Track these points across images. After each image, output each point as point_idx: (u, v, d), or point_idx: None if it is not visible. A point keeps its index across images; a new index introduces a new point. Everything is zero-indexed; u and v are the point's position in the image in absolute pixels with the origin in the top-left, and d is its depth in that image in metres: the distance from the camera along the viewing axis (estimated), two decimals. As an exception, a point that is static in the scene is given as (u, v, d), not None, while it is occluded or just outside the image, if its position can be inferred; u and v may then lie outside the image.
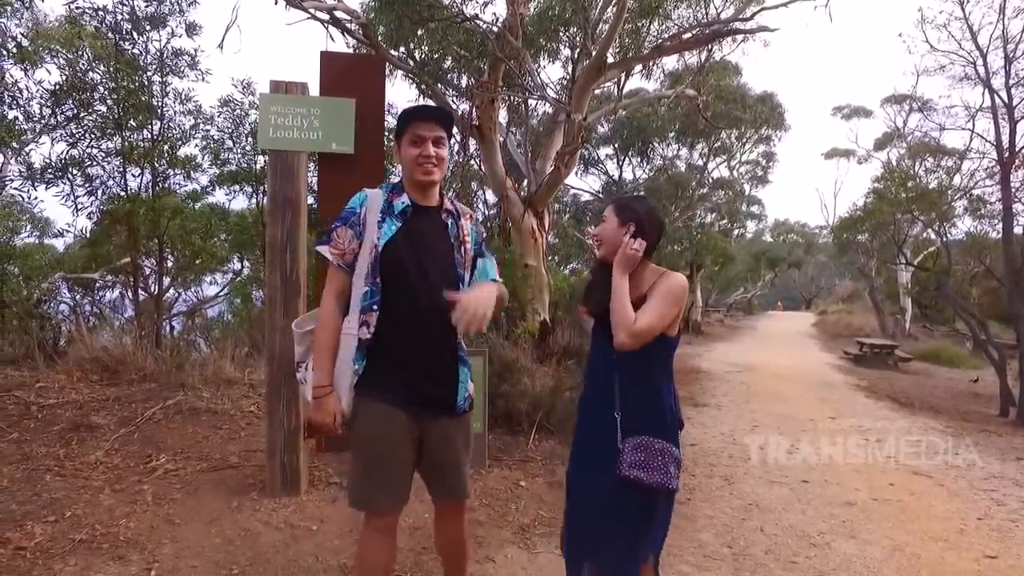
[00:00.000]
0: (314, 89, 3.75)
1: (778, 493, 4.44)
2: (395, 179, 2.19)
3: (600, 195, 18.62)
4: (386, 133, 4.29)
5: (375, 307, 1.96)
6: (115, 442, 4.25)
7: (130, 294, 7.41)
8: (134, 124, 6.46)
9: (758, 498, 4.29)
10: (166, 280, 12.70)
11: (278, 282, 3.60)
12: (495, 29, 8.54)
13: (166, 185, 6.89)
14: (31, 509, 3.24)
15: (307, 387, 2.01)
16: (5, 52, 5.67)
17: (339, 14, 7.38)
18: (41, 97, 6.11)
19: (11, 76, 5.87)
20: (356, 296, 1.98)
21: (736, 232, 27.07)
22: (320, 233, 2.85)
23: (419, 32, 9.43)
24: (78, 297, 11.86)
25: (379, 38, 9.21)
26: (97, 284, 8.55)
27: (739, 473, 4.99)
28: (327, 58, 3.77)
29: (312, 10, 6.94)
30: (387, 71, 10.69)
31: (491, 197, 11.79)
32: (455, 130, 11.76)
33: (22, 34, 5.83)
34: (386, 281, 1.96)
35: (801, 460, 5.48)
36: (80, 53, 6.26)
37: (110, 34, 6.36)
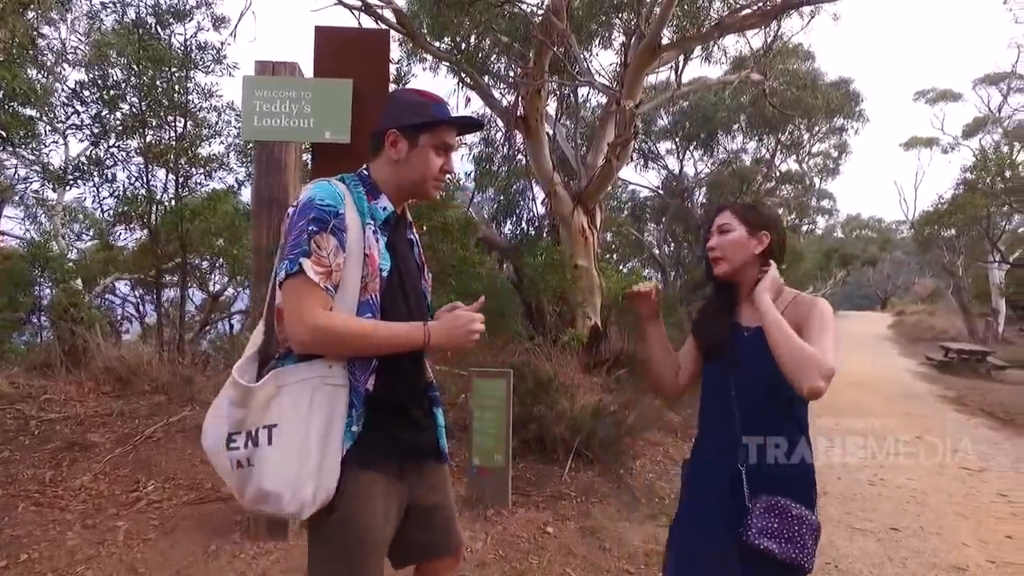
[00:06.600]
0: (308, 70, 3.26)
1: (862, 546, 3.67)
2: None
3: (660, 191, 17.76)
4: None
5: None
6: (107, 464, 3.91)
7: (154, 298, 7.17)
8: (155, 123, 6.19)
9: (838, 554, 3.54)
10: (220, 280, 12.80)
11: (263, 295, 3.11)
12: (540, 12, 7.96)
13: (188, 185, 6.61)
14: (-14, 549, 2.88)
15: (257, 472, 1.38)
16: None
17: (371, -2, 6.95)
18: (64, 96, 5.92)
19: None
20: None
21: (805, 228, 25.49)
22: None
23: (465, 22, 8.94)
24: (138, 296, 12.07)
25: (421, 28, 8.78)
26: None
27: (813, 514, 4.22)
28: (322, 33, 3.25)
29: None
30: (427, 63, 10.32)
31: (539, 193, 11.19)
32: (499, 122, 11.32)
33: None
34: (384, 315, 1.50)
35: (887, 496, 4.64)
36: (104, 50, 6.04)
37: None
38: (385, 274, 1.48)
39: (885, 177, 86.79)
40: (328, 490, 1.40)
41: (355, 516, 1.44)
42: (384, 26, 7.51)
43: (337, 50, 3.24)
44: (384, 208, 1.53)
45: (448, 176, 1.63)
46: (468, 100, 10.24)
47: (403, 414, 1.55)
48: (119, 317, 7.90)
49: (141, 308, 12.75)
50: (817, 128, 17.39)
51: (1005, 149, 15.94)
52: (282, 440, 1.37)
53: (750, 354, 1.62)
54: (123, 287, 12.25)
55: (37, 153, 5.92)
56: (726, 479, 1.62)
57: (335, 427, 1.41)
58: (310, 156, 3.44)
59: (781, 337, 1.53)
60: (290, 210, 1.48)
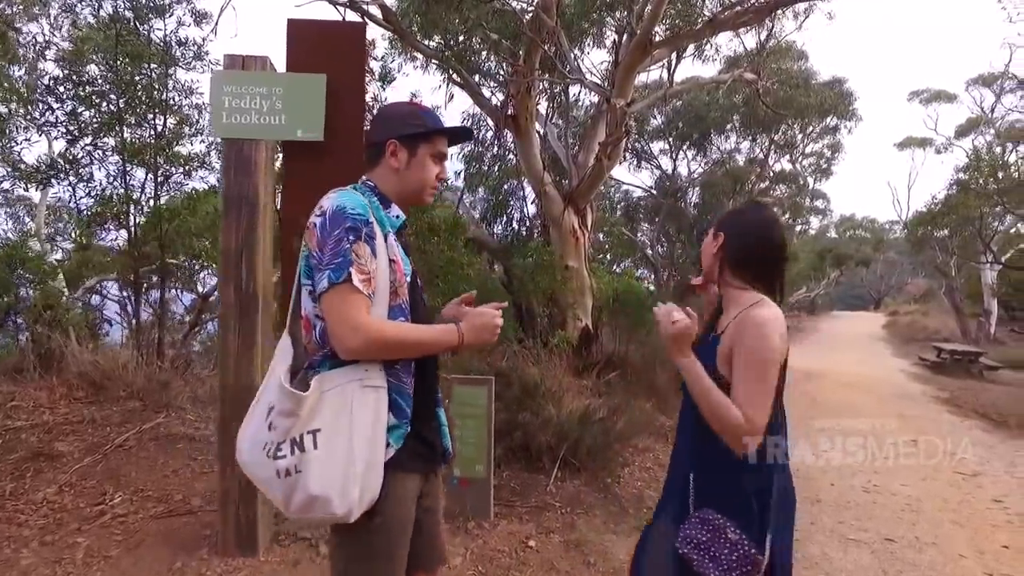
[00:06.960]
0: (281, 65, 3.12)
1: (856, 558, 3.56)
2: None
3: (653, 191, 17.66)
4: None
5: None
6: (73, 475, 3.75)
7: (131, 301, 7.00)
8: (133, 120, 6.01)
9: (832, 567, 3.42)
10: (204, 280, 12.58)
11: (232, 297, 2.98)
12: (530, 9, 7.83)
13: (167, 184, 6.43)
14: (-66, 570, 2.73)
15: (304, 477, 1.37)
16: None
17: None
18: (39, 92, 5.74)
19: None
20: None
21: (799, 228, 25.50)
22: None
23: (454, 19, 8.78)
24: (123, 297, 11.87)
25: (411, 27, 8.63)
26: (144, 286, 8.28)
27: (805, 523, 4.10)
28: (294, 26, 3.11)
29: (324, -12, 6.36)
30: (418, 61, 10.16)
31: (530, 193, 11.05)
32: (489, 121, 11.20)
33: None
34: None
35: (881, 504, 4.54)
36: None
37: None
38: (408, 279, 1.54)
39: (879, 177, 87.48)
40: (374, 492, 1.42)
41: (394, 518, 1.48)
42: (370, 22, 7.38)
43: (311, 44, 3.10)
44: (397, 216, 1.59)
45: (444, 181, 1.70)
46: (452, 96, 10.11)
47: (432, 416, 1.62)
48: (98, 320, 7.70)
49: (130, 309, 12.56)
50: (811, 128, 17.34)
51: (998, 150, 15.94)
52: (327, 443, 1.38)
53: (704, 359, 1.64)
54: (112, 288, 12.05)
55: (8, 151, 5.74)
56: (683, 477, 1.67)
57: (378, 429, 1.43)
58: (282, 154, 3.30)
59: (701, 402, 1.57)
60: (315, 220, 1.47)
